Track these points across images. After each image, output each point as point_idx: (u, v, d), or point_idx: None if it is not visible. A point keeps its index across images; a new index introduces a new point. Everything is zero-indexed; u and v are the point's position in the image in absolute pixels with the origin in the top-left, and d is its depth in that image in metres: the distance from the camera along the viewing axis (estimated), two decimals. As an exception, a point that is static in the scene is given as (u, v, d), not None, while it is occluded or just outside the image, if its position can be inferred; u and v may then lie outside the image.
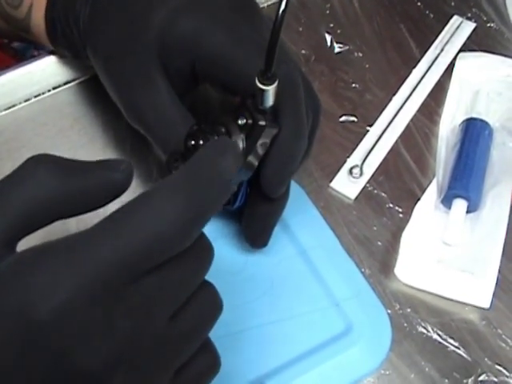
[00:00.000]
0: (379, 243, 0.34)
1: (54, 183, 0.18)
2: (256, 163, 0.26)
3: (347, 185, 0.36)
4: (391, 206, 0.35)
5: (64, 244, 0.17)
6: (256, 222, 0.29)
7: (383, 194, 0.35)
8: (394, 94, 0.40)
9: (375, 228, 0.34)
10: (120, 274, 0.17)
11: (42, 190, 0.18)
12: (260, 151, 0.26)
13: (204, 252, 0.20)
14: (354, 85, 0.40)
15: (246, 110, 0.26)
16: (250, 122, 0.25)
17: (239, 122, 0.26)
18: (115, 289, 0.17)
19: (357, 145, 0.37)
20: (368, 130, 0.38)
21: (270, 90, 0.24)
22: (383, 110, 0.39)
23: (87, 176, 0.19)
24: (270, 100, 0.25)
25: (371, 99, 0.39)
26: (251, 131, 0.25)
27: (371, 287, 0.31)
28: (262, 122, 0.25)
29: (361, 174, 0.36)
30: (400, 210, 0.35)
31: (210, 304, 0.20)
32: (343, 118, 0.38)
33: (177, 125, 0.28)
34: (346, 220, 0.34)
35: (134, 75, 0.28)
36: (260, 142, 0.26)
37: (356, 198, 0.35)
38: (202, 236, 0.20)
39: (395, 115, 0.39)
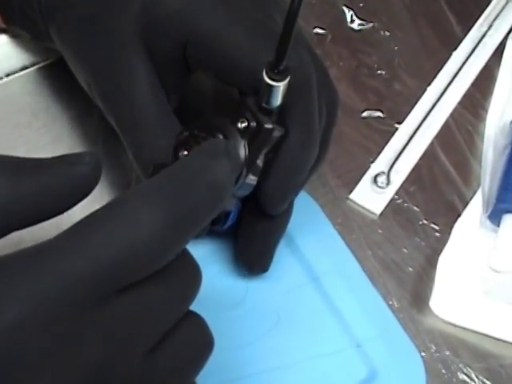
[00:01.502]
0: (410, 269, 0.35)
1: (1, 187, 0.18)
2: (258, 176, 0.28)
3: (371, 197, 0.37)
4: (425, 222, 0.36)
5: (20, 255, 0.17)
6: (253, 244, 0.31)
7: (415, 208, 0.37)
8: (430, 84, 0.41)
9: (405, 250, 0.35)
10: (86, 292, 0.17)
11: None
12: (264, 161, 0.27)
13: (189, 272, 0.20)
14: (379, 72, 0.40)
15: (248, 110, 0.26)
16: (252, 124, 0.26)
17: (239, 125, 0.26)
18: (79, 310, 0.17)
19: (383, 147, 0.38)
20: (397, 129, 0.39)
21: (281, 87, 0.25)
22: (416, 103, 0.39)
23: (43, 174, 0.19)
24: (278, 98, 0.26)
25: (401, 90, 0.40)
26: (254, 136, 0.26)
27: (400, 324, 0.33)
28: (269, 125, 0.26)
29: (388, 183, 0.37)
30: (436, 227, 0.36)
31: (196, 339, 0.20)
32: (366, 114, 0.39)
33: (158, 129, 0.28)
34: (369, 240, 0.35)
35: (109, 59, 0.28)
36: (266, 149, 0.27)
37: (382, 213, 0.36)
38: (186, 254, 0.20)
39: (430, 110, 0.39)
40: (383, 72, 0.41)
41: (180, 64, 0.29)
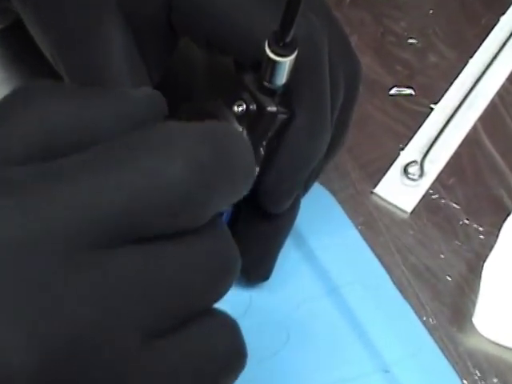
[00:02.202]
0: (449, 278, 0.35)
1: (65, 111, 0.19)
2: (259, 167, 0.28)
3: (400, 191, 0.36)
4: (467, 222, 0.36)
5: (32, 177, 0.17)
6: (251, 248, 0.31)
7: (455, 205, 0.36)
8: (472, 56, 0.40)
9: (443, 256, 0.35)
10: (100, 232, 0.17)
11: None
12: (266, 150, 0.27)
13: (224, 250, 0.20)
14: (410, 40, 0.41)
15: (246, 90, 0.26)
16: (252, 107, 0.26)
17: (236, 108, 0.26)
18: (86, 251, 0.17)
19: (415, 131, 0.38)
20: (432, 109, 0.39)
21: (287, 63, 0.25)
22: (455, 78, 0.40)
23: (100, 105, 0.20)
24: (283, 76, 0.26)
25: (436, 62, 0.40)
26: (254, 122, 0.26)
27: (437, 345, 0.32)
28: (272, 108, 0.26)
29: (421, 174, 0.37)
30: (480, 228, 0.36)
31: (222, 342, 0.20)
32: (394, 91, 0.39)
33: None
34: (398, 243, 0.35)
35: (79, 27, 0.28)
36: (268, 136, 0.27)
37: (413, 210, 0.36)
38: (223, 226, 0.20)
39: (473, 87, 0.39)
40: (415, 41, 0.41)
41: (163, 31, 0.29)
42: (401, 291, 0.33)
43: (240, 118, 0.26)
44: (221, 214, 0.28)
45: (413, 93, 0.39)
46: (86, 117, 0.19)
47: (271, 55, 0.24)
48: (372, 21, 0.41)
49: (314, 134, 0.28)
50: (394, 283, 0.34)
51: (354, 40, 0.39)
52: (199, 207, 0.18)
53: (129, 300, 0.17)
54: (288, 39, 0.24)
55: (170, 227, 0.18)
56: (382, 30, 0.41)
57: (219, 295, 0.20)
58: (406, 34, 0.41)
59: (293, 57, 0.25)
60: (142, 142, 0.18)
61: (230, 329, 0.20)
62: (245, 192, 0.20)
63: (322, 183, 0.35)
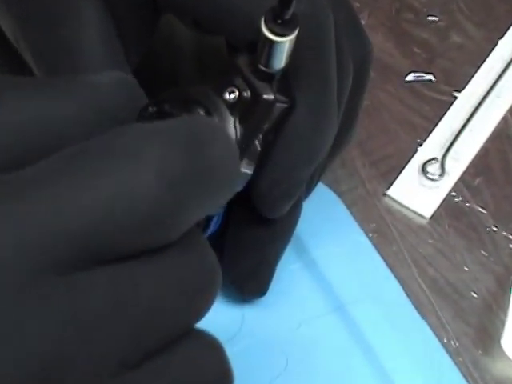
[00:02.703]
0: (474, 295, 0.34)
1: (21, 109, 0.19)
2: (254, 163, 0.27)
3: (418, 193, 0.36)
4: (495, 229, 0.36)
5: None
6: (244, 258, 0.31)
7: (481, 210, 0.36)
8: (502, 36, 0.40)
9: (467, 268, 0.35)
10: (44, 257, 0.17)
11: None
12: (262, 145, 0.27)
13: (203, 264, 0.20)
14: (430, 18, 0.40)
15: (239, 75, 0.26)
16: (246, 95, 0.26)
17: (227, 95, 0.26)
18: (47, 275, 0.17)
19: (435, 123, 0.38)
20: (455, 98, 0.39)
21: (286, 44, 0.25)
22: (482, 62, 0.39)
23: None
24: (282, 59, 0.25)
25: (461, 43, 0.40)
26: (248, 111, 0.26)
27: (460, 371, 0.32)
28: (269, 96, 0.26)
29: (442, 173, 0.37)
30: (511, 236, 0.36)
31: (208, 368, 0.20)
32: (412, 77, 0.39)
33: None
34: (415, 254, 0.35)
35: (45, 1, 0.28)
36: (265, 128, 0.27)
37: (433, 215, 0.36)
38: (201, 238, 0.20)
39: (503, 72, 0.39)
40: (436, 18, 0.41)
41: (144, 6, 0.29)
42: (418, 309, 0.33)
43: (232, 106, 0.26)
44: (209, 219, 0.29)
45: (433, 79, 0.39)
46: (46, 118, 0.19)
47: (268, 34, 0.24)
48: (386, -5, 0.41)
49: (317, 126, 0.28)
50: (410, 300, 0.33)
51: (364, 17, 0.39)
52: (172, 223, 0.18)
53: (98, 328, 0.18)
54: (288, 16, 0.24)
55: (140, 246, 0.18)
56: (397, 5, 0.41)
57: (199, 315, 0.20)
58: (425, 10, 0.41)
59: (293, 36, 0.25)
60: (106, 152, 0.18)
61: (214, 352, 0.20)
62: (224, 202, 0.20)
63: (326, 183, 0.35)
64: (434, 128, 0.38)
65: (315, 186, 0.32)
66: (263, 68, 0.26)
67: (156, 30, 0.31)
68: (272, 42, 0.25)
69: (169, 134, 0.18)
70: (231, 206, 0.30)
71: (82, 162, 0.18)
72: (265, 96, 0.26)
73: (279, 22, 0.24)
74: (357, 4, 0.37)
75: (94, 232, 0.17)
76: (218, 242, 0.29)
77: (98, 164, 0.18)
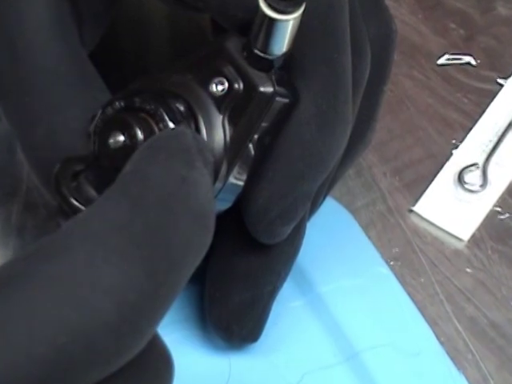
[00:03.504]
0: None
1: None
2: (247, 172, 0.28)
3: (453, 208, 0.36)
4: None
5: None
6: (232, 293, 0.31)
7: None
8: None
9: None
10: None
11: None
12: (257, 149, 0.27)
13: (161, 367, 0.22)
14: None
15: (228, 61, 0.26)
16: (237, 87, 0.26)
17: (214, 87, 0.27)
18: None
19: (476, 119, 0.38)
20: (501, 86, 0.39)
21: (289, 24, 0.25)
22: None
23: None
24: (283, 43, 0.26)
25: (508, 16, 0.39)
26: (241, 107, 0.26)
27: None
28: (267, 88, 0.26)
29: (483, 183, 0.36)
30: None
31: None
32: (446, 59, 0.39)
33: (64, 92, 0.29)
34: (449, 286, 0.35)
35: None
36: (262, 128, 0.27)
37: (473, 236, 0.36)
38: (156, 340, 0.22)
39: None
40: None
41: None
42: (453, 357, 0.33)
43: (220, 101, 0.27)
44: None
45: (472, 62, 0.39)
46: None
47: (267, 11, 0.25)
48: (413, -44, 0.41)
49: (326, 125, 0.28)
50: (444, 346, 0.33)
51: None
52: (133, 346, 0.20)
53: None
54: None
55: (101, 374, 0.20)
56: (427, -32, 0.41)
57: None
58: None
59: (297, 14, 0.25)
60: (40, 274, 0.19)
61: None
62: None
63: (337, 198, 0.35)
64: (473, 126, 0.38)
65: (322, 201, 0.32)
66: (260, 53, 0.26)
67: (119, 2, 0.31)
68: (272, 21, 0.25)
69: (119, 240, 0.20)
70: (216, 227, 0.30)
71: (20, 287, 0.19)
72: (261, 88, 0.26)
73: None
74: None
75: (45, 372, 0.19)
76: (198, 271, 0.28)
77: (42, 291, 0.19)
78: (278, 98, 0.27)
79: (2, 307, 0.19)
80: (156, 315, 0.20)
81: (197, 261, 0.21)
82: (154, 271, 0.20)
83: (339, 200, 0.35)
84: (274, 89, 0.26)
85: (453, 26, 0.39)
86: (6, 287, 0.19)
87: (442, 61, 0.39)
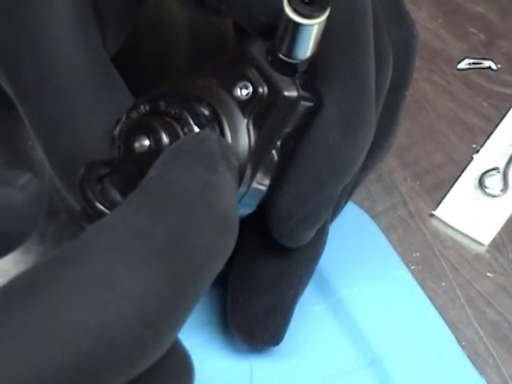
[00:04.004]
0: None
1: None
2: (271, 177, 0.28)
3: (474, 213, 0.36)
4: None
5: None
6: (256, 296, 0.31)
7: None
8: None
9: None
10: None
11: None
12: (281, 154, 0.27)
13: (181, 371, 0.22)
14: None
15: (253, 66, 0.27)
16: (262, 91, 0.27)
17: (238, 92, 0.27)
18: None
19: (496, 123, 0.38)
20: None
21: (314, 28, 0.25)
22: None
23: None
24: (307, 47, 0.26)
25: None
26: (265, 111, 0.27)
27: None
28: (291, 93, 0.26)
29: (504, 188, 0.37)
30: None
31: None
32: (466, 64, 0.38)
33: (88, 98, 0.29)
34: (470, 291, 0.35)
35: None
36: (286, 132, 0.27)
37: (493, 241, 0.36)
38: (176, 344, 0.22)
39: None
40: None
41: None
42: (474, 362, 0.33)
43: (244, 105, 0.27)
44: None
45: (493, 66, 0.39)
46: None
47: (292, 15, 0.25)
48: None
49: (350, 130, 0.28)
50: (465, 350, 0.33)
51: None
52: (152, 353, 0.20)
53: None
54: None
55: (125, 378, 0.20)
56: (447, -28, 0.41)
57: None
58: None
59: (322, 19, 0.25)
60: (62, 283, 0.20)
61: None
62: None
63: (358, 202, 0.35)
64: (493, 130, 0.38)
65: (344, 205, 0.32)
66: (284, 58, 0.26)
67: (141, 7, 0.31)
68: (297, 26, 0.25)
69: (141, 249, 0.20)
70: (239, 230, 0.30)
71: (41, 296, 0.19)
72: (286, 92, 0.26)
73: (306, 0, 0.24)
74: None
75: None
76: (221, 275, 0.28)
77: (62, 299, 0.19)
78: (302, 103, 0.27)
79: (26, 313, 0.19)
80: (177, 320, 0.21)
81: (219, 266, 0.22)
82: (176, 277, 0.20)
83: (360, 205, 0.35)
84: (299, 93, 0.27)
85: (473, 30, 0.39)
86: (29, 293, 0.19)
87: (462, 65, 0.39)
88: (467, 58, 0.39)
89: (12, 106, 0.30)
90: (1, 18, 0.30)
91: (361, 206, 0.35)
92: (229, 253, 0.22)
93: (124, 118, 0.27)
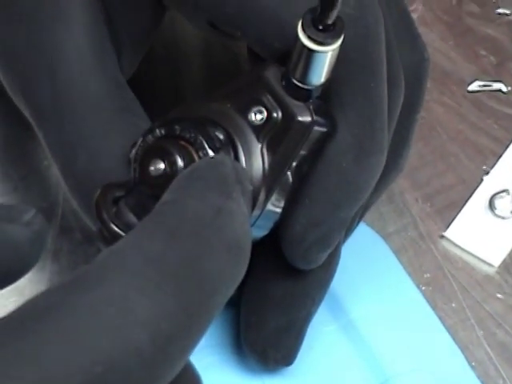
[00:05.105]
0: None
1: None
2: (284, 199, 0.28)
3: (485, 234, 0.36)
4: None
5: None
6: (267, 318, 0.31)
7: None
8: None
9: None
10: None
11: None
12: (294, 177, 0.28)
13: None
14: (500, 10, 0.40)
15: (268, 91, 0.27)
16: (276, 116, 0.27)
17: (252, 116, 0.27)
18: None
19: (506, 146, 0.38)
20: None
21: (328, 55, 0.25)
22: None
23: None
24: (321, 73, 0.26)
25: None
26: (279, 136, 0.27)
27: None
28: (305, 117, 0.27)
29: None
30: None
31: None
32: (477, 86, 0.39)
33: (104, 122, 0.29)
34: (480, 312, 0.35)
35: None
36: (298, 157, 0.27)
37: (503, 262, 0.36)
38: (188, 367, 0.22)
39: None
40: (507, 11, 0.40)
41: (146, 4, 0.30)
42: (484, 383, 0.33)
43: (258, 130, 0.27)
44: None
45: (503, 89, 0.39)
46: None
47: (306, 42, 0.25)
48: (444, -18, 0.41)
49: (363, 154, 0.28)
50: (475, 371, 0.33)
51: (417, 10, 0.39)
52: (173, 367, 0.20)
53: None
54: (330, 20, 0.24)
55: None
56: (459, -4, 0.41)
57: None
58: (493, 0, 0.41)
59: (336, 45, 0.25)
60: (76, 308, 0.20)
61: None
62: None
63: (369, 223, 0.35)
64: (504, 152, 0.38)
65: (355, 227, 0.32)
66: (298, 83, 0.26)
67: (156, 30, 0.31)
68: (311, 52, 0.25)
69: (155, 274, 0.20)
70: (252, 252, 0.30)
71: (54, 321, 0.19)
72: (300, 118, 0.26)
73: (320, 27, 0.24)
74: (408, -2, 0.36)
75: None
76: (233, 296, 0.29)
77: (76, 324, 0.19)
78: (315, 128, 0.27)
79: (39, 337, 0.19)
80: (189, 345, 0.21)
81: (231, 290, 0.22)
82: (188, 302, 0.20)
83: (371, 225, 0.35)
84: (312, 118, 0.27)
85: (483, 52, 0.39)
86: (43, 317, 0.19)
87: (472, 87, 0.39)
88: (477, 80, 0.39)
89: (28, 125, 0.30)
90: (19, 42, 0.30)
91: (372, 227, 0.35)
92: (240, 278, 0.22)
93: (140, 141, 0.27)
